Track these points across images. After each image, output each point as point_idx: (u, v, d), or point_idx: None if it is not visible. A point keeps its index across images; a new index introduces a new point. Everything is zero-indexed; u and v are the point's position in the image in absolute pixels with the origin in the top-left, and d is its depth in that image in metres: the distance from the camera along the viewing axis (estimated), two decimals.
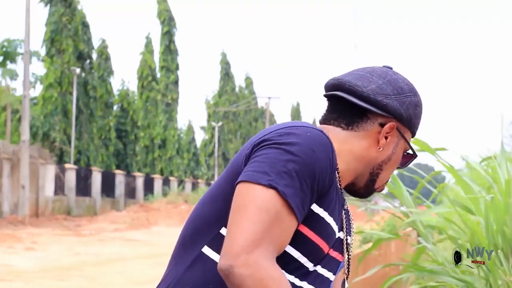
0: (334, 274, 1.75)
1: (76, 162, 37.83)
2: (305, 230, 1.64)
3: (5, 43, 35.45)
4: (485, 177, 4.09)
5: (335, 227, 1.69)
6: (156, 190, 41.08)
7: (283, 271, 1.63)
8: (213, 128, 58.42)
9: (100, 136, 40.75)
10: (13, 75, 35.69)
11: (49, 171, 32.03)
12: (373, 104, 1.73)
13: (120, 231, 25.50)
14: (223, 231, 1.65)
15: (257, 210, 1.55)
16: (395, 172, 4.38)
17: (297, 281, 1.66)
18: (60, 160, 37.11)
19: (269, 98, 55.88)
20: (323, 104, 1.84)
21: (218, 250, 1.64)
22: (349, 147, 1.75)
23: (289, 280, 1.64)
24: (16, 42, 35.52)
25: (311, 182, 1.59)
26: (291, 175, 1.57)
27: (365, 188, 1.80)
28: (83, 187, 35.11)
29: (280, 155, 1.59)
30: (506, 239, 3.65)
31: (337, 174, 1.71)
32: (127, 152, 45.05)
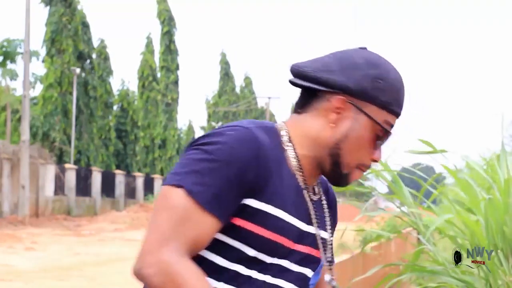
0: (312, 269, 1.75)
1: (76, 162, 37.83)
2: (251, 227, 1.64)
3: (5, 43, 35.46)
4: (485, 177, 4.09)
5: (290, 219, 1.68)
6: (156, 190, 41.08)
7: (243, 267, 1.65)
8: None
9: (100, 136, 40.76)
10: (13, 75, 35.69)
11: (49, 171, 32.03)
12: (315, 82, 1.72)
13: (120, 231, 25.51)
14: None
15: (164, 210, 1.59)
16: (395, 172, 4.39)
17: (260, 276, 1.67)
18: (60, 160, 37.11)
19: (269, 98, 55.90)
20: None
21: None
22: (303, 130, 1.74)
23: (250, 276, 1.66)
24: (16, 42, 35.52)
25: (229, 178, 1.60)
26: (202, 173, 1.59)
27: (332, 173, 1.74)
28: (83, 187, 35.11)
29: (196, 155, 1.62)
30: (506, 239, 3.65)
31: (293, 163, 1.72)
32: (127, 152, 45.05)
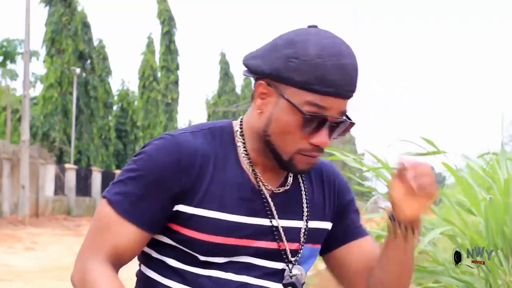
0: (283, 261, 1.72)
1: (76, 162, 37.83)
2: (189, 232, 1.67)
3: (5, 43, 35.46)
4: (484, 177, 4.09)
5: (233, 218, 1.67)
6: None
7: (201, 268, 1.67)
8: None
9: (100, 136, 40.77)
10: (13, 75, 35.70)
11: (49, 171, 32.02)
12: (246, 70, 1.71)
13: None
14: (146, 249, 1.76)
15: (92, 220, 1.70)
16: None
17: (221, 274, 1.68)
18: (60, 160, 37.10)
19: None
20: None
21: (145, 263, 1.75)
22: (248, 122, 1.74)
23: (210, 276, 1.67)
24: (16, 42, 35.53)
25: (148, 186, 1.64)
26: (125, 183, 1.66)
27: (277, 161, 1.68)
28: (83, 187, 35.10)
29: (126, 166, 1.70)
30: (506, 239, 3.65)
31: (243, 159, 1.71)
32: (127, 152, 45.05)
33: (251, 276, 1.69)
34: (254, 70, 1.68)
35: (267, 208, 1.70)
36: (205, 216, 1.66)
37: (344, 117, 1.67)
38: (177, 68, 49.58)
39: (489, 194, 3.79)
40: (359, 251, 1.84)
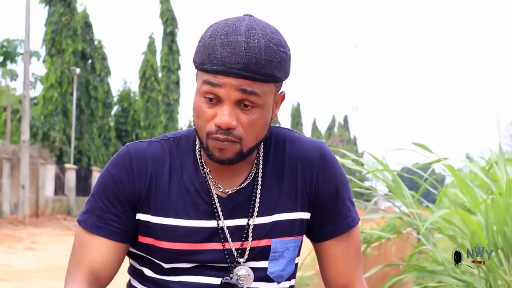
0: (227, 262, 1.70)
1: (76, 162, 37.83)
2: (147, 240, 1.71)
3: (5, 43, 35.44)
4: (483, 178, 4.09)
5: (186, 223, 1.68)
6: None
7: (172, 276, 1.70)
8: None
9: (100, 136, 40.76)
10: (13, 75, 35.69)
11: (49, 171, 32.02)
12: None
13: None
14: (131, 261, 1.82)
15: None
16: (395, 172, 4.38)
17: (191, 278, 1.70)
18: (60, 160, 37.10)
19: None
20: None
21: (131, 274, 1.82)
22: None
23: (180, 281, 1.70)
24: (16, 42, 35.51)
25: (108, 198, 1.72)
26: (90, 201, 1.76)
27: (207, 155, 1.66)
28: (83, 187, 35.10)
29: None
30: (506, 239, 3.65)
31: (198, 163, 1.72)
32: None
33: (220, 277, 1.70)
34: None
35: (215, 210, 1.70)
36: (160, 224, 1.69)
37: (247, 96, 1.60)
38: (179, 68, 49.56)
39: (489, 195, 3.79)
40: (331, 253, 1.80)
